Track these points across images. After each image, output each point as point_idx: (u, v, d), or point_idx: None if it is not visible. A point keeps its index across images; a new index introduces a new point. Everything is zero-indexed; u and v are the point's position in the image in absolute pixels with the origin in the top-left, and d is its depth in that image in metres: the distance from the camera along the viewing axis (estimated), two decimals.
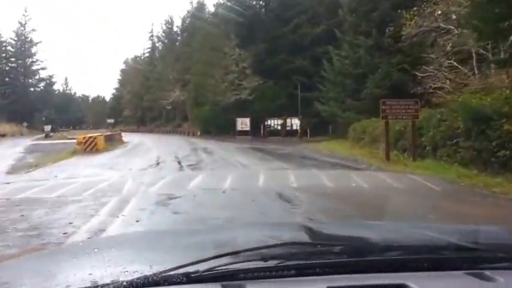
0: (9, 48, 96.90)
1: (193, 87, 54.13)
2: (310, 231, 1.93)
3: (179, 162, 20.51)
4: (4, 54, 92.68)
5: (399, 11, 25.75)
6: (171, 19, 79.13)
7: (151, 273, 1.29)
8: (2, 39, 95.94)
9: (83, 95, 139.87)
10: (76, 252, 1.93)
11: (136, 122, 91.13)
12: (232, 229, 2.78)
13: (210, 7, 65.20)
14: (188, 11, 73.47)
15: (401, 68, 28.26)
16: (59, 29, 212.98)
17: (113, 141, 33.47)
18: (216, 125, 49.06)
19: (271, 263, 1.35)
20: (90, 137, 27.56)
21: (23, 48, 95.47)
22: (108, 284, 1.26)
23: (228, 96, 48.01)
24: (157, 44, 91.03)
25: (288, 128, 45.28)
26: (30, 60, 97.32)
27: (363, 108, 30.04)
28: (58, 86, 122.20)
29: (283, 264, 1.36)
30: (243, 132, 46.64)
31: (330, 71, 39.07)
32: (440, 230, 2.16)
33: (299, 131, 43.04)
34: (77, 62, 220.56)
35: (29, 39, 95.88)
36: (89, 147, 26.52)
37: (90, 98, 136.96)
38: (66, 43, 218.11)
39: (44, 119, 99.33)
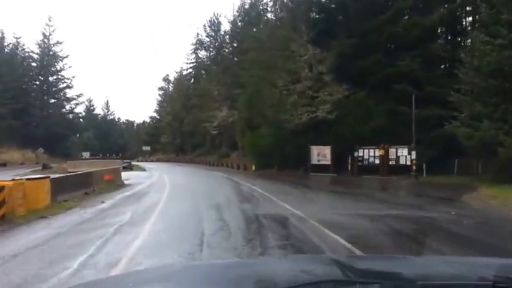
0: (32, 63, 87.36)
1: (246, 104, 40.28)
2: (342, 265, 1.94)
3: None
4: (21, 70, 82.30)
5: None
6: (216, 20, 66.36)
7: None
8: (26, 50, 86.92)
9: (127, 120, 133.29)
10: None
11: (176, 149, 79.38)
12: (266, 263, 2.75)
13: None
14: (238, 11, 60.39)
15: None
16: (93, 46, 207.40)
17: (99, 184, 21.18)
18: (280, 157, 34.64)
19: None
20: (18, 183, 13.15)
21: (45, 63, 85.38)
22: None
23: (298, 115, 34.05)
24: (200, 55, 78.81)
25: (391, 163, 30.27)
26: (54, 78, 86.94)
27: None
28: (98, 110, 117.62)
29: None
30: (321, 168, 32.76)
31: (472, 72, 24.50)
32: (472, 264, 2.21)
33: (414, 167, 28.07)
34: (116, 83, 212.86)
35: (52, 53, 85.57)
36: None
37: (135, 124, 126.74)
38: (103, 62, 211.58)
39: (69, 145, 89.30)
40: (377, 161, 31.33)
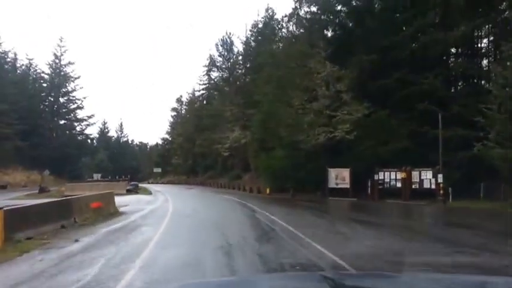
0: (43, 83, 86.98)
1: (260, 124, 38.69)
2: (332, 282, 1.99)
3: None
4: (32, 90, 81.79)
5: None
6: (229, 40, 65.18)
7: None
8: (38, 71, 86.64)
9: (140, 142, 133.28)
10: None
11: (187, 171, 77.70)
12: (259, 281, 2.72)
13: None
14: (252, 30, 59.24)
15: None
16: (108, 69, 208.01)
17: (83, 213, 17.28)
18: (295, 179, 32.85)
19: None
20: None
21: (56, 83, 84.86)
22: None
23: (314, 135, 32.35)
24: (213, 76, 77.58)
25: (414, 186, 28.35)
26: (65, 98, 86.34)
27: None
28: (112, 132, 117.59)
29: None
30: (339, 191, 30.95)
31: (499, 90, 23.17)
32: (457, 282, 2.35)
33: (441, 191, 26.11)
34: (131, 106, 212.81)
35: (63, 73, 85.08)
36: None
37: (148, 146, 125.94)
38: (118, 84, 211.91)
39: (80, 166, 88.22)
40: (399, 185, 29.42)
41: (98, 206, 18.57)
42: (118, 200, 27.48)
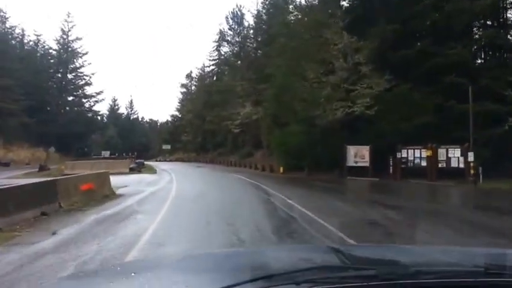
0: (51, 60, 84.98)
1: (273, 98, 36.32)
2: (340, 253, 1.96)
3: None
4: (39, 67, 79.78)
5: None
6: (239, 13, 62.53)
7: None
8: (46, 48, 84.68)
9: (150, 119, 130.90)
10: (113, 275, 1.97)
11: (197, 148, 75.62)
12: (264, 252, 2.68)
13: None
14: (264, 2, 56.58)
15: None
16: (118, 45, 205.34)
17: (71, 197, 14.47)
18: (311, 157, 30.73)
19: (304, 287, 1.39)
20: None
21: (63, 59, 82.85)
22: None
23: (332, 111, 29.91)
24: (223, 52, 75.09)
25: (440, 165, 26.14)
26: (73, 75, 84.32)
27: None
28: (123, 110, 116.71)
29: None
30: (358, 170, 28.56)
31: None
32: (468, 253, 2.29)
33: (472, 170, 23.90)
34: (141, 83, 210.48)
35: (71, 49, 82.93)
36: None
37: (158, 123, 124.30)
38: (128, 61, 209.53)
39: (89, 143, 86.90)
40: (423, 163, 27.20)
41: (89, 187, 16.00)
42: (118, 179, 25.24)
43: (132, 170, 37.42)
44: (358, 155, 29.40)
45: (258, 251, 3.13)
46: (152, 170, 40.81)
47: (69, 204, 13.95)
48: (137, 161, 48.50)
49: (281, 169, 33.84)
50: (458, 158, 25.81)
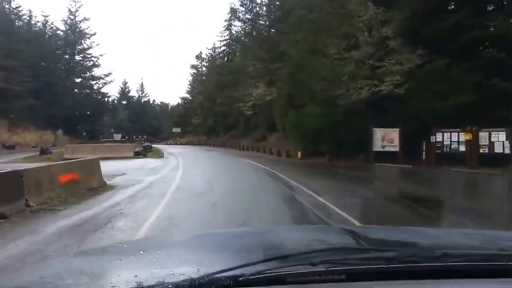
0: (58, 41, 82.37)
1: (288, 77, 32.88)
2: (355, 235, 1.90)
3: None
4: (46, 48, 76.87)
5: None
6: None
7: (198, 276, 1.26)
8: (54, 29, 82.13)
9: (161, 102, 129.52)
10: (121, 253, 1.94)
11: (207, 131, 72.56)
12: (278, 232, 2.61)
13: None
14: None
15: None
16: (129, 27, 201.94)
17: (44, 192, 11.11)
18: (332, 141, 27.50)
19: (320, 268, 1.32)
20: None
21: (70, 40, 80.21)
22: (153, 286, 1.24)
23: (356, 90, 26.67)
24: (234, 31, 71.81)
25: (482, 150, 22.84)
26: (81, 56, 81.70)
27: None
28: (133, 92, 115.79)
29: (333, 269, 1.33)
30: (386, 156, 25.27)
31: None
32: (490, 236, 2.19)
33: None
34: (153, 66, 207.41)
35: (78, 30, 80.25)
36: None
37: (169, 106, 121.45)
38: (140, 43, 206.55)
39: (101, 125, 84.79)
40: (462, 148, 23.88)
41: (72, 178, 12.76)
42: (119, 165, 22.42)
43: (137, 155, 34.06)
44: (386, 138, 26.04)
45: (269, 230, 2.94)
46: (159, 154, 37.30)
47: (41, 201, 10.76)
48: (144, 144, 45.45)
49: (299, 154, 30.43)
50: (503, 142, 22.44)
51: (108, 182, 15.36)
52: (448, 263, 1.39)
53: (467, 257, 1.49)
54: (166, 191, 13.81)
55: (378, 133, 26.25)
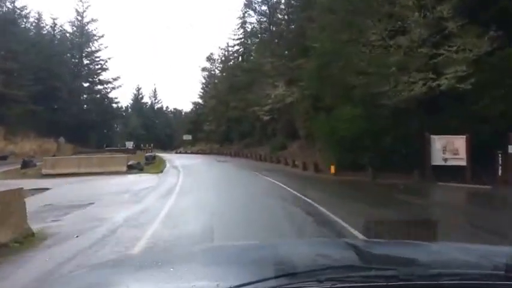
0: (67, 42, 77.86)
1: (315, 73, 26.80)
2: (358, 250, 1.97)
3: None
4: (51, 51, 71.92)
5: None
6: None
7: None
8: (63, 31, 77.68)
9: (175, 109, 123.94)
10: (139, 265, 1.96)
11: (220, 139, 66.76)
12: (283, 246, 2.64)
13: None
14: None
15: None
16: (142, 34, 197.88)
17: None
18: (375, 152, 21.33)
19: (326, 285, 1.43)
20: None
21: (76, 42, 75.71)
22: None
23: (407, 85, 20.59)
24: (249, 28, 66.27)
25: None
26: (88, 59, 77.05)
27: None
28: (146, 99, 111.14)
29: (337, 286, 1.43)
30: (449, 171, 19.12)
31: None
32: (488, 253, 2.17)
33: None
34: (166, 73, 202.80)
35: (85, 31, 75.75)
36: None
37: (183, 113, 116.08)
38: (152, 50, 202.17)
39: (111, 136, 79.95)
40: None
41: None
42: (97, 186, 16.98)
43: (130, 169, 27.65)
44: (449, 149, 19.70)
45: (277, 244, 2.84)
46: (158, 168, 30.49)
47: None
48: (147, 154, 39.56)
49: (332, 168, 24.16)
50: None
51: (43, 227, 9.21)
52: (441, 282, 1.48)
53: (460, 276, 1.56)
54: (129, 249, 7.66)
55: (437, 142, 19.96)
